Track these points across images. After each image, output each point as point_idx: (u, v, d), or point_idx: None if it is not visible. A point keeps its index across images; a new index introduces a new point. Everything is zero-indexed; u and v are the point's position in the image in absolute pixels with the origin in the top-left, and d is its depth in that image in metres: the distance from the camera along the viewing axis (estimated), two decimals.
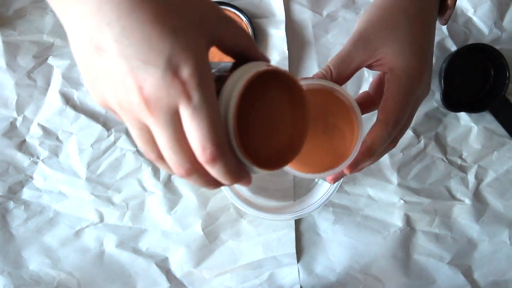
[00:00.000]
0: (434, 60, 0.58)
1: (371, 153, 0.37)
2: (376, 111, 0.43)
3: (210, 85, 0.25)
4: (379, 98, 0.42)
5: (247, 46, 0.31)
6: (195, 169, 0.27)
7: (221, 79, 0.29)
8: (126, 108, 0.25)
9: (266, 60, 0.32)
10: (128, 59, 0.24)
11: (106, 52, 0.24)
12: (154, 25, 0.24)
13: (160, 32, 0.24)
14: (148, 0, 0.24)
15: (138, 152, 0.57)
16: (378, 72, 0.43)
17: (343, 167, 0.38)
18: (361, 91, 0.58)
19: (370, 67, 0.40)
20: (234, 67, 0.30)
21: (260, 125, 0.32)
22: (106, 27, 0.24)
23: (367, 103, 0.41)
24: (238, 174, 0.28)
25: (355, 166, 0.38)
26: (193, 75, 0.24)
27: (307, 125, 0.33)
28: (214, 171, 0.27)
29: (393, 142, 0.40)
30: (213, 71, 0.30)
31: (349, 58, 0.39)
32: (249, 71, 0.29)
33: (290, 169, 0.39)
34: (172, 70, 0.24)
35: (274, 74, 0.30)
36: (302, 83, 0.38)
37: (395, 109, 0.36)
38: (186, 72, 0.24)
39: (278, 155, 0.33)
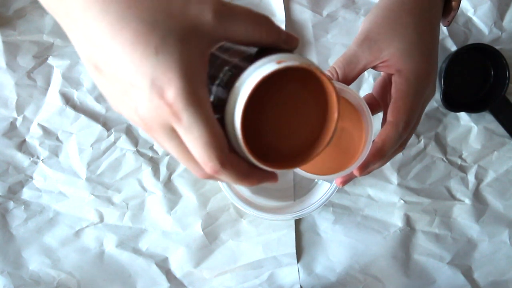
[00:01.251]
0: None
1: (381, 155, 0.37)
2: (380, 113, 0.43)
3: (201, 102, 0.24)
4: (384, 99, 0.42)
5: (263, 38, 0.28)
6: (210, 175, 0.27)
7: (235, 70, 0.28)
8: (134, 122, 0.26)
9: (293, 44, 0.30)
10: (120, 81, 0.24)
11: (103, 72, 0.24)
12: (135, 47, 0.23)
13: (141, 54, 0.23)
14: (130, 21, 0.23)
15: (138, 152, 0.57)
16: (381, 73, 0.43)
17: (353, 168, 0.38)
18: (361, 91, 0.58)
19: (375, 68, 0.40)
20: (254, 57, 0.28)
21: (276, 121, 0.31)
22: (97, 49, 0.24)
23: (371, 105, 0.41)
24: (251, 177, 0.28)
25: (365, 168, 0.38)
26: (178, 96, 0.23)
27: (332, 124, 0.30)
28: (224, 179, 0.27)
29: (403, 145, 0.40)
30: (225, 68, 0.28)
31: (355, 59, 0.39)
32: (260, 71, 0.27)
33: (300, 170, 0.39)
34: (157, 92, 0.23)
35: (296, 70, 0.28)
36: None
37: (405, 111, 0.36)
38: (170, 94, 0.23)
39: (294, 154, 0.31)
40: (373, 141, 0.37)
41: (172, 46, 0.24)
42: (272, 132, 0.31)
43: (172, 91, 0.23)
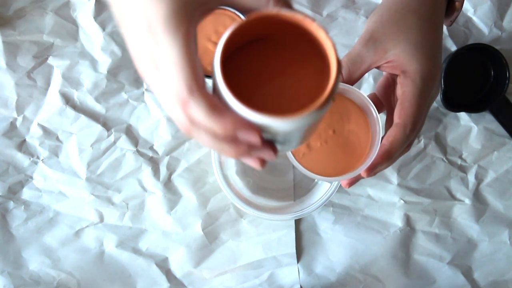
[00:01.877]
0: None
1: (389, 156, 0.37)
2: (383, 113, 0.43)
3: (178, 28, 0.26)
4: (388, 100, 0.42)
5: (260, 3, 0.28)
6: (183, 110, 0.27)
7: None
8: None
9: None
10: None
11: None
12: None
13: None
14: None
15: (138, 152, 0.57)
16: (383, 74, 0.43)
17: (361, 170, 0.38)
18: (361, 91, 0.58)
19: (380, 68, 0.40)
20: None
21: (268, 75, 0.30)
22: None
23: (375, 105, 0.41)
24: (225, 116, 0.27)
25: (373, 170, 0.38)
26: (158, 21, 0.26)
27: (331, 81, 0.27)
28: (195, 114, 0.27)
29: (409, 146, 0.40)
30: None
31: (360, 58, 0.39)
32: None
33: (307, 171, 0.39)
34: (147, 25, 0.26)
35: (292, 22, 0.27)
36: None
37: (412, 113, 0.36)
38: (153, 23, 0.26)
39: (283, 106, 0.29)
40: (381, 143, 0.37)
41: None
42: (262, 86, 0.30)
43: (154, 19, 0.26)
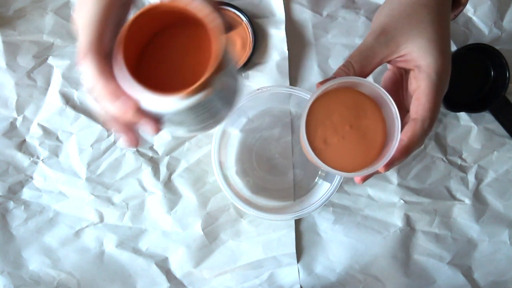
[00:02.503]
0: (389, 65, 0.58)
1: (408, 152, 0.37)
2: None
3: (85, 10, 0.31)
4: (395, 94, 0.42)
5: None
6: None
7: None
8: None
9: None
10: None
11: None
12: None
13: None
14: None
15: (138, 152, 0.57)
16: (388, 68, 0.43)
17: (381, 165, 0.38)
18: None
19: (391, 62, 0.40)
20: None
21: (166, 61, 0.34)
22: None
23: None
24: (105, 79, 0.30)
25: (392, 165, 0.38)
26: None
27: (215, 60, 0.30)
28: (82, 71, 0.31)
29: (423, 140, 0.40)
30: None
31: (372, 53, 0.39)
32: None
33: (325, 165, 0.40)
34: None
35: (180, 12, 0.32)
36: (327, 85, 0.39)
37: (430, 108, 0.37)
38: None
39: (170, 85, 0.32)
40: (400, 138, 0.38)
41: None
42: (161, 68, 0.34)
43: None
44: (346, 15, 0.58)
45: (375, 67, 0.39)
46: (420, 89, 0.37)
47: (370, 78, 0.58)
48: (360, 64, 0.39)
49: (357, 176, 0.40)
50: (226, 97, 0.36)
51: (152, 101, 0.30)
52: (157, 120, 0.31)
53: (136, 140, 0.33)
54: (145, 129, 0.31)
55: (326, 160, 0.40)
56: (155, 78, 0.33)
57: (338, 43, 0.58)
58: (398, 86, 0.42)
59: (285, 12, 0.57)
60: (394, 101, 0.42)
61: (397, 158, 0.37)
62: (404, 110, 0.41)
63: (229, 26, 0.32)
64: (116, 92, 0.30)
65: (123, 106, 0.30)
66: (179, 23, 0.34)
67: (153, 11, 0.33)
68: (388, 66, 0.43)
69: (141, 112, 0.30)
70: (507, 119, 0.58)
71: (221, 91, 0.33)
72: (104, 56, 0.31)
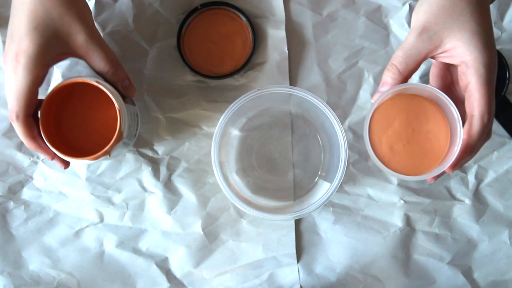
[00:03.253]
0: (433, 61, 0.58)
1: (471, 150, 0.38)
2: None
3: (34, 70, 0.42)
4: (448, 90, 0.42)
5: (107, 75, 0.48)
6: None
7: None
8: None
9: (128, 93, 0.50)
10: None
11: None
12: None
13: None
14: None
15: (138, 152, 0.57)
16: (433, 64, 0.43)
17: (446, 166, 0.39)
18: (361, 91, 0.58)
19: (435, 57, 0.40)
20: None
21: (76, 126, 0.51)
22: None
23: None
24: (30, 139, 0.45)
25: (458, 164, 0.39)
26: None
27: (113, 134, 0.47)
28: (16, 130, 0.44)
29: (489, 134, 0.40)
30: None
31: (416, 50, 0.39)
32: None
33: (393, 172, 0.42)
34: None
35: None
36: (381, 97, 0.41)
37: (485, 102, 0.37)
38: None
39: (84, 151, 0.48)
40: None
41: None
42: (72, 132, 0.51)
43: (22, 52, 0.42)
44: (346, 15, 0.58)
45: (419, 64, 0.39)
46: (471, 84, 0.37)
47: (371, 82, 0.58)
48: (405, 64, 0.39)
49: (428, 178, 0.41)
50: (122, 149, 0.51)
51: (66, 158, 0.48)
52: (67, 162, 0.48)
53: (65, 164, 0.49)
54: (60, 165, 0.49)
55: (397, 168, 0.42)
56: (69, 140, 0.50)
57: (338, 43, 0.58)
58: (449, 81, 0.42)
59: (285, 12, 0.57)
60: (449, 97, 0.42)
61: (462, 157, 0.38)
62: (461, 104, 0.41)
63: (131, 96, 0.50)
64: (36, 148, 0.46)
65: (44, 154, 0.47)
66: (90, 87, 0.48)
67: (67, 87, 0.48)
68: (433, 61, 0.43)
69: (56, 157, 0.48)
70: (507, 119, 0.58)
71: (118, 149, 0.49)
72: (29, 119, 0.44)
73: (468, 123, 0.37)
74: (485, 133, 0.38)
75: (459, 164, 0.40)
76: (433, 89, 0.39)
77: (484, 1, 0.39)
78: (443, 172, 0.41)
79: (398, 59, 0.39)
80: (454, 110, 0.39)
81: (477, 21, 0.37)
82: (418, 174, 0.42)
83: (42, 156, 0.57)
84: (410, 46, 0.39)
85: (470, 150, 0.38)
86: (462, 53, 0.37)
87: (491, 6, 0.57)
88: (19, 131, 0.44)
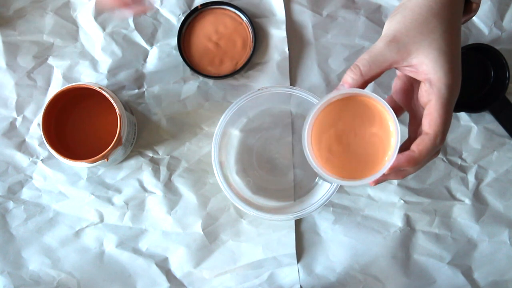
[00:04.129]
0: (398, 72, 0.58)
1: (415, 163, 0.38)
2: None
3: None
4: (407, 103, 0.42)
5: None
6: None
7: None
8: None
9: None
10: None
11: None
12: None
13: None
14: None
15: (138, 152, 0.57)
16: (397, 75, 0.43)
17: (383, 171, 0.39)
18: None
19: (399, 69, 0.40)
20: None
21: (78, 128, 0.54)
22: None
23: (394, 109, 0.41)
24: None
25: (398, 174, 0.39)
26: None
27: (113, 138, 0.49)
28: None
29: (437, 152, 0.41)
30: None
31: (381, 57, 0.39)
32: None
33: (329, 177, 0.40)
34: None
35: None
36: (332, 95, 0.40)
37: (441, 123, 0.37)
38: None
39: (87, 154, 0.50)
40: (410, 149, 0.38)
41: None
42: (74, 135, 0.54)
43: None
44: (346, 15, 0.58)
45: (382, 71, 0.39)
46: (431, 103, 0.37)
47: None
48: (368, 67, 0.39)
49: (356, 184, 0.41)
50: (119, 155, 0.53)
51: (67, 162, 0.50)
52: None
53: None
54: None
55: (334, 170, 0.41)
56: (69, 143, 0.53)
57: (338, 43, 0.58)
58: (410, 96, 0.43)
59: (285, 12, 0.57)
60: (407, 109, 0.43)
61: (404, 166, 0.38)
62: (418, 119, 0.41)
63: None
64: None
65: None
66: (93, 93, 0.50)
67: (70, 91, 0.50)
68: (397, 73, 0.43)
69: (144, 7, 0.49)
70: (507, 119, 0.58)
71: (115, 155, 0.51)
72: None
73: (421, 139, 0.38)
74: (434, 152, 0.38)
75: (401, 174, 0.40)
76: (375, 97, 0.39)
77: (456, 22, 0.39)
78: (385, 177, 0.40)
79: (362, 61, 0.39)
80: (395, 124, 0.38)
81: (447, 41, 0.38)
82: (356, 178, 0.40)
83: (41, 155, 0.57)
84: (377, 52, 0.39)
85: (414, 163, 0.38)
86: (428, 71, 0.38)
87: (491, 6, 0.58)
88: None
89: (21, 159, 0.57)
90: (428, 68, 0.38)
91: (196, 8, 0.57)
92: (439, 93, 0.37)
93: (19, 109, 0.57)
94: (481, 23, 0.59)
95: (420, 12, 0.38)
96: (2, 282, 0.56)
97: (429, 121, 0.37)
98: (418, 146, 0.37)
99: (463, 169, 0.58)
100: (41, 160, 0.57)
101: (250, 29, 0.57)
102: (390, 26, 0.40)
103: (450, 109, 0.38)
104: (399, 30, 0.39)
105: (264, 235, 0.57)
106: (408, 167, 0.38)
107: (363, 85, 0.40)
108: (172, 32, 0.57)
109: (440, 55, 0.37)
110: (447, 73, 0.37)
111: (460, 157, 0.58)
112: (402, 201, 0.58)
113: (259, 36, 0.58)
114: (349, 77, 0.40)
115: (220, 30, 0.57)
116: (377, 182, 0.40)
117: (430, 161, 0.41)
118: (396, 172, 0.40)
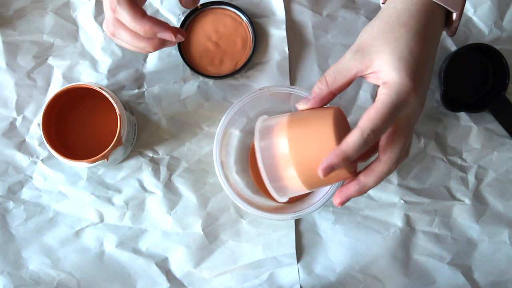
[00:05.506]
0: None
1: (344, 155, 0.37)
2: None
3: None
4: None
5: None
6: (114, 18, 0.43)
7: None
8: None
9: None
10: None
11: None
12: None
13: None
14: None
15: (138, 152, 0.57)
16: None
17: (320, 174, 0.38)
18: (361, 91, 0.58)
19: (365, 77, 0.40)
20: None
21: (80, 128, 0.54)
22: None
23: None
24: (144, 21, 0.42)
25: (328, 168, 0.37)
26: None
27: (114, 136, 0.49)
28: (119, 17, 0.43)
29: (406, 154, 0.41)
30: None
31: (347, 67, 0.39)
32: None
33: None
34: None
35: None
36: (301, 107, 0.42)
37: (374, 119, 0.36)
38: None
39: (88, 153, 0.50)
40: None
41: None
42: (81, 134, 0.54)
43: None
44: (346, 15, 0.58)
45: (349, 81, 0.40)
46: (376, 102, 0.37)
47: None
48: (334, 78, 0.40)
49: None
50: (119, 155, 0.53)
51: (68, 162, 0.50)
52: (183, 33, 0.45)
53: (182, 34, 0.45)
54: (173, 37, 0.44)
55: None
56: (69, 143, 0.53)
57: (338, 43, 0.58)
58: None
59: (285, 12, 0.57)
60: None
61: (334, 163, 0.37)
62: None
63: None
64: (152, 27, 0.43)
65: (163, 31, 0.43)
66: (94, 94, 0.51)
67: (70, 91, 0.50)
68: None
69: (178, 31, 0.44)
70: (507, 119, 0.58)
71: (115, 155, 0.51)
72: (134, 3, 0.42)
73: (351, 132, 0.37)
74: (362, 147, 0.37)
75: (329, 168, 0.37)
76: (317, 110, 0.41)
77: (426, 33, 0.39)
78: (344, 195, 0.41)
79: (329, 72, 0.40)
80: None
81: (410, 50, 0.37)
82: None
83: (41, 155, 0.57)
84: (343, 63, 0.40)
85: (343, 156, 0.36)
86: (385, 75, 0.38)
87: (491, 6, 0.58)
88: (126, 16, 0.42)
89: (21, 159, 0.57)
90: (386, 72, 0.38)
91: (196, 8, 0.57)
92: (388, 94, 0.37)
93: (19, 109, 0.57)
94: (481, 23, 0.59)
95: (388, 21, 0.39)
96: (2, 282, 0.56)
97: (365, 116, 0.37)
98: (345, 139, 0.37)
99: (463, 169, 0.58)
100: (41, 160, 0.57)
101: (250, 29, 0.57)
102: (359, 37, 0.40)
103: (391, 113, 0.37)
104: (365, 41, 0.39)
105: (264, 235, 0.57)
106: (339, 162, 0.37)
107: (329, 96, 0.41)
108: None
109: (400, 62, 0.37)
110: (404, 79, 0.37)
111: (460, 157, 0.58)
112: (402, 201, 0.58)
113: (259, 36, 0.58)
114: (316, 87, 0.41)
115: (220, 30, 0.57)
116: (341, 201, 0.42)
117: (398, 164, 0.40)
118: (326, 168, 0.38)
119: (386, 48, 0.38)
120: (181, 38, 0.44)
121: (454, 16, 0.40)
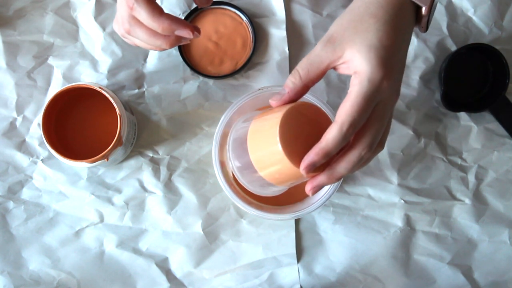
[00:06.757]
0: (434, 60, 0.58)
1: (324, 152, 0.37)
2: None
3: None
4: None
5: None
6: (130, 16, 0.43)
7: None
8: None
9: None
10: None
11: None
12: None
13: None
14: None
15: (138, 152, 0.57)
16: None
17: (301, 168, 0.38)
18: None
19: (336, 68, 0.40)
20: None
21: (80, 127, 0.54)
22: None
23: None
24: (161, 18, 0.42)
25: (310, 167, 0.38)
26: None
27: (114, 137, 0.49)
28: (136, 15, 0.42)
29: (366, 161, 0.40)
30: None
31: (318, 59, 0.39)
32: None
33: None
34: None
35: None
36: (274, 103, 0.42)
37: (350, 112, 0.36)
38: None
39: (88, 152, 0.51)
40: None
41: None
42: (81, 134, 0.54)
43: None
44: None
45: (321, 72, 0.40)
46: (349, 94, 0.37)
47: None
48: (306, 70, 0.39)
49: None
50: (119, 155, 0.53)
51: (68, 162, 0.50)
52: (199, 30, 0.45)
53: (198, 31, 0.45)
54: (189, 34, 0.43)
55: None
56: (69, 143, 0.53)
57: None
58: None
59: (285, 12, 0.57)
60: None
61: (315, 160, 0.37)
62: None
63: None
64: (170, 24, 0.42)
65: (181, 28, 0.43)
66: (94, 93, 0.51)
67: (70, 91, 0.50)
68: None
69: (194, 29, 0.44)
70: (507, 119, 0.58)
71: (115, 155, 0.51)
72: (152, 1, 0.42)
73: (329, 127, 0.37)
74: (342, 141, 0.37)
75: (311, 166, 0.38)
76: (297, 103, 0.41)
77: (396, 23, 0.39)
78: (320, 183, 0.40)
79: (301, 65, 0.40)
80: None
81: (380, 38, 0.38)
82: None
83: (41, 155, 0.57)
84: (315, 55, 0.40)
85: (323, 152, 0.37)
86: (356, 64, 0.38)
87: (492, 6, 0.58)
88: (144, 14, 0.41)
89: (21, 159, 0.57)
90: (357, 62, 0.38)
91: (196, 8, 0.57)
92: (360, 84, 0.37)
93: (19, 109, 0.57)
94: (481, 23, 0.59)
95: (357, 12, 0.39)
96: (2, 282, 0.56)
97: (340, 109, 0.37)
98: (324, 136, 0.37)
99: (463, 169, 0.58)
100: (41, 160, 0.57)
101: (250, 29, 0.57)
102: (330, 29, 0.40)
103: (366, 103, 0.37)
104: (336, 31, 0.39)
105: (264, 235, 0.57)
106: (319, 159, 0.37)
107: (303, 89, 0.40)
108: None
109: (370, 51, 0.37)
110: (375, 67, 0.37)
111: (460, 157, 0.58)
112: (402, 201, 0.58)
113: (259, 36, 0.58)
114: (289, 81, 0.40)
115: (220, 30, 0.57)
116: (312, 188, 0.40)
117: (373, 156, 0.40)
118: (308, 167, 0.38)
119: (356, 38, 0.38)
120: (197, 35, 0.44)
121: (424, 10, 0.40)
